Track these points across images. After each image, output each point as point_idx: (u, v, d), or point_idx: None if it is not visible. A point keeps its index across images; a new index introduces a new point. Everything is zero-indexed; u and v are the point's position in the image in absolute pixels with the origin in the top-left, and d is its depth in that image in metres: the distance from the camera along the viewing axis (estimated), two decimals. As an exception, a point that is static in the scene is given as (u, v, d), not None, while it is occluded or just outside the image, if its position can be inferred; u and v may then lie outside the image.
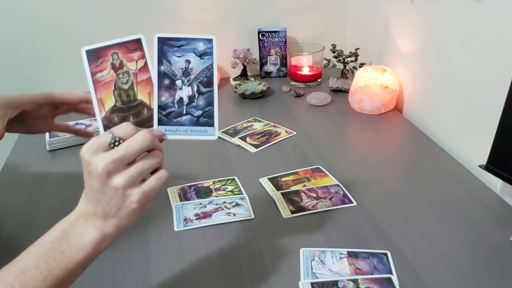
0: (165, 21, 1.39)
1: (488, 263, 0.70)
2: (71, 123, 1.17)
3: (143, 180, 0.52)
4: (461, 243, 0.74)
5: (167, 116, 0.58)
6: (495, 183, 0.87)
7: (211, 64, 0.58)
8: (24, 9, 1.30)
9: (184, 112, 0.58)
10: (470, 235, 0.76)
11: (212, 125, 0.59)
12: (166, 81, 0.58)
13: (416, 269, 0.69)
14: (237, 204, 0.85)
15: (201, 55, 0.58)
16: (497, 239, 0.75)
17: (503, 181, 0.79)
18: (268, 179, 0.93)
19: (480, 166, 0.82)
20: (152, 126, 0.58)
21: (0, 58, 1.34)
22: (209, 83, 0.58)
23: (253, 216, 0.82)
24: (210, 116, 0.59)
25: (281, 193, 0.88)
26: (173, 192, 0.90)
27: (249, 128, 1.15)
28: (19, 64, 1.37)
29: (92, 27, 1.35)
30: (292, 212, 0.83)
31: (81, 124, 1.17)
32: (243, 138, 1.10)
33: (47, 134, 1.11)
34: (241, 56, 1.42)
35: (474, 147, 0.95)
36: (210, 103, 0.59)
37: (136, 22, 1.37)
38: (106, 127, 0.57)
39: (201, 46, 0.58)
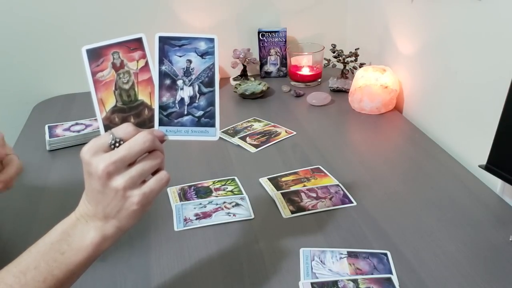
0: (165, 21, 1.39)
1: (488, 263, 0.70)
2: (71, 123, 1.17)
3: (144, 181, 0.52)
4: (461, 243, 0.74)
5: (168, 117, 0.58)
6: (495, 183, 0.87)
7: (213, 64, 0.58)
8: (24, 9, 1.30)
9: (185, 113, 0.58)
10: (470, 235, 0.76)
11: (213, 125, 0.59)
12: (167, 81, 0.58)
13: (416, 269, 0.69)
14: (237, 204, 0.85)
15: (202, 55, 0.58)
16: (497, 239, 0.75)
17: (503, 181, 0.79)
18: (268, 179, 0.93)
19: (480, 166, 0.82)
20: (153, 126, 0.58)
21: (0, 58, 1.34)
22: (210, 83, 0.58)
23: (253, 216, 0.82)
24: (211, 116, 0.58)
25: (281, 193, 0.88)
26: (173, 192, 0.90)
27: (249, 128, 1.15)
28: (19, 64, 1.37)
29: (92, 27, 1.35)
30: (292, 212, 0.83)
31: (81, 124, 1.17)
32: (243, 138, 1.10)
33: (47, 134, 1.11)
34: (241, 56, 1.42)
35: (474, 147, 0.95)
36: (211, 103, 0.58)
37: (136, 22, 1.37)
38: (107, 128, 0.56)
39: (202, 46, 0.58)
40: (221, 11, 1.43)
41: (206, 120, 0.59)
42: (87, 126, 1.15)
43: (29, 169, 1.00)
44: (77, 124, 1.17)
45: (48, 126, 1.16)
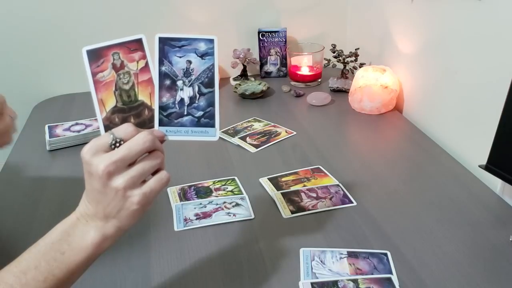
0: (165, 21, 1.39)
1: (488, 263, 0.70)
2: (71, 123, 1.17)
3: (144, 181, 0.52)
4: (461, 243, 0.74)
5: (168, 117, 0.58)
6: (495, 183, 0.87)
7: (212, 65, 0.58)
8: (25, 9, 1.30)
9: (185, 113, 0.58)
10: (470, 235, 0.76)
11: (213, 126, 0.59)
12: (167, 82, 0.58)
13: (416, 269, 0.69)
14: (237, 204, 0.85)
15: (202, 56, 0.58)
16: (497, 239, 0.75)
17: (503, 181, 0.79)
18: (268, 179, 0.93)
19: (480, 166, 0.82)
20: (153, 127, 0.58)
21: (0, 58, 1.34)
22: (210, 83, 0.58)
23: (253, 216, 0.82)
24: (211, 117, 0.59)
25: (281, 193, 0.88)
26: (173, 192, 0.90)
27: (249, 128, 1.15)
28: (19, 64, 1.37)
29: (92, 27, 1.35)
30: (292, 212, 0.83)
31: (81, 124, 1.17)
32: (243, 138, 1.10)
33: (47, 134, 1.11)
34: (241, 56, 1.42)
35: (474, 147, 0.95)
36: (211, 103, 0.58)
37: (137, 22, 1.37)
38: (107, 128, 0.57)
39: (202, 47, 0.58)
40: (221, 11, 1.43)
41: (206, 120, 0.59)
42: (87, 126, 1.16)
43: (29, 169, 1.01)
44: (77, 124, 1.17)
45: (48, 126, 1.16)
